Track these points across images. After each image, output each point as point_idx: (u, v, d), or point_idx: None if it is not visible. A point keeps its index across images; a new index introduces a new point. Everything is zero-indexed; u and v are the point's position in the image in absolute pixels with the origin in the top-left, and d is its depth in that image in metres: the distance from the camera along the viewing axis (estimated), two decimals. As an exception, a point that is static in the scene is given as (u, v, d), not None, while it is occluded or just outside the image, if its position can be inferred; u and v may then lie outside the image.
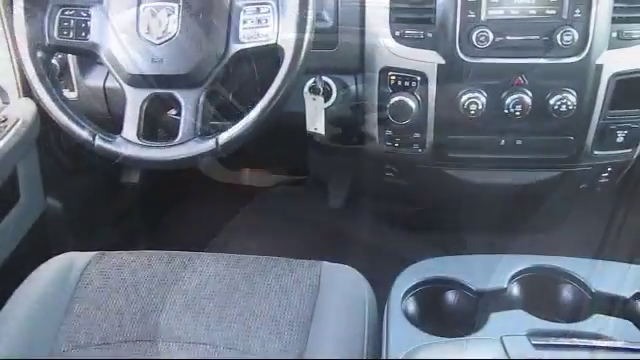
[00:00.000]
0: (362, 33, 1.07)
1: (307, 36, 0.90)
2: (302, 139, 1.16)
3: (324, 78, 1.11)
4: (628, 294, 0.86)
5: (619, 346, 0.72)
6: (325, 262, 1.05)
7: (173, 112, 1.02)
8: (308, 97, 1.11)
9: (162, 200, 1.79)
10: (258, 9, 0.92)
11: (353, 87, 1.12)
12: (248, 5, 0.93)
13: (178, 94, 0.94)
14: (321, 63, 1.09)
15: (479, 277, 0.88)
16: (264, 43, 0.92)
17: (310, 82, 1.10)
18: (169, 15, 0.93)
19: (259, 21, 0.92)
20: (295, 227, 1.74)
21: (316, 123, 1.12)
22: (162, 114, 1.04)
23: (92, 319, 0.94)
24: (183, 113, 0.94)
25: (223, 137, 0.93)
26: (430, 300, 0.90)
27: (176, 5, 0.93)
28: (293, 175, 1.81)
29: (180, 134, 0.93)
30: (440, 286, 0.90)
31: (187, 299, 0.96)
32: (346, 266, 1.06)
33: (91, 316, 0.94)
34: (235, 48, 0.93)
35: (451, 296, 0.89)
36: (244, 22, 0.93)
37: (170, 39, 0.93)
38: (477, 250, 0.98)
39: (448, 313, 0.90)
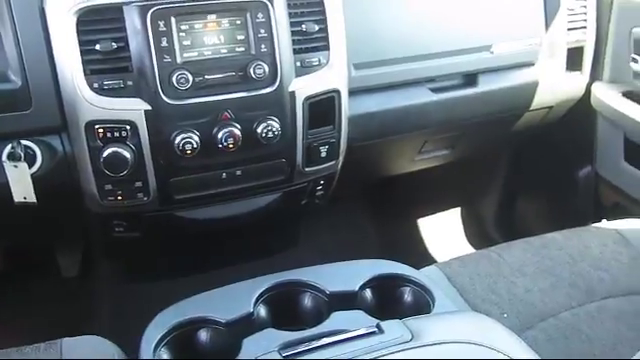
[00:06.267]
0: (57, 89, 1.01)
1: None
2: (14, 212, 1.05)
3: (24, 142, 1.02)
4: (356, 287, 0.97)
5: (355, 334, 0.80)
6: (65, 338, 0.96)
7: None
8: (8, 165, 1.01)
9: None
10: None
11: (60, 147, 1.06)
12: None
13: None
14: (17, 126, 1.01)
15: (226, 309, 0.90)
16: None
17: (8, 149, 1.01)
18: None
19: None
20: (27, 309, 1.55)
21: (24, 192, 1.02)
22: None
23: None
24: None
25: None
26: (185, 344, 0.89)
27: None
28: (14, 252, 1.61)
29: None
30: (190, 327, 0.89)
31: None
32: (90, 336, 0.98)
33: None
34: None
35: (203, 334, 0.89)
36: None
37: None
38: (221, 283, 0.99)
39: (204, 352, 0.90)
